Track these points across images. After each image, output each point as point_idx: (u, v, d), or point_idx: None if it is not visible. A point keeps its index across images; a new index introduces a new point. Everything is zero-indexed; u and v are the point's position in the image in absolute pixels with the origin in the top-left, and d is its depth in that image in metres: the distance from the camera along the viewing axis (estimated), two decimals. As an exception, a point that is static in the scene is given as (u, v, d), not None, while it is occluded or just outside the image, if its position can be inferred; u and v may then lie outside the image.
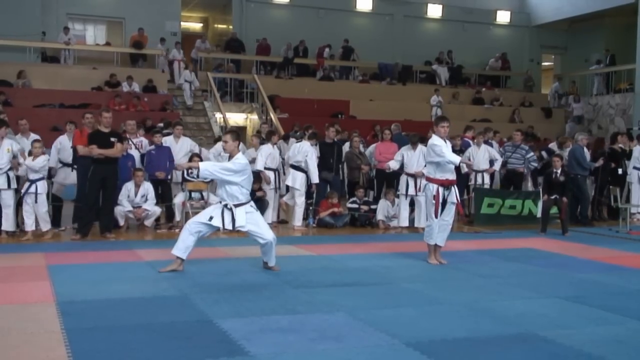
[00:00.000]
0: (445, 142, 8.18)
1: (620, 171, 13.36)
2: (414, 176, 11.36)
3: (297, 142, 12.30)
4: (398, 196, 11.66)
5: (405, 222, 11.53)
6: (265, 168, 11.59)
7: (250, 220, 7.36)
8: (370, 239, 10.49)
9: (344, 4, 24.42)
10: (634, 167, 13.43)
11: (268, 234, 7.45)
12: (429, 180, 8.16)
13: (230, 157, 7.41)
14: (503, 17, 26.57)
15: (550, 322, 5.53)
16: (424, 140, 10.85)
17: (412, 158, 11.44)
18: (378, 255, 8.87)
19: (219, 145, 11.96)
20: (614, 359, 4.60)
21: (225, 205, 7.30)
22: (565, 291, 6.72)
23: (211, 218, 7.28)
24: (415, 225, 11.48)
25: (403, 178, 11.52)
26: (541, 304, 6.19)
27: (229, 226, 7.32)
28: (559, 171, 11.45)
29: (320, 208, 11.77)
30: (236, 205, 7.31)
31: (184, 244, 7.27)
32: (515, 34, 26.85)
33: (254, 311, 5.70)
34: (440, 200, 8.01)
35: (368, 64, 23.85)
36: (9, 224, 9.80)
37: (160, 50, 21.09)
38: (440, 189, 8.01)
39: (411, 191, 11.44)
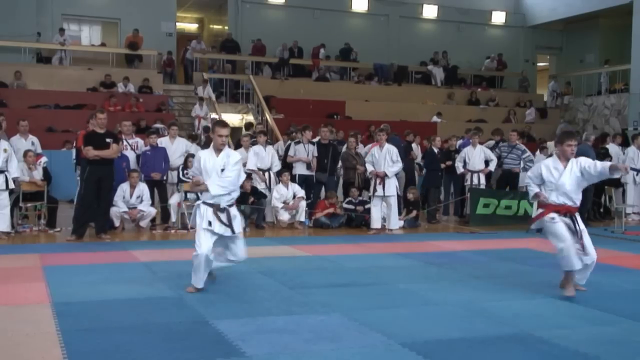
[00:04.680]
0: (571, 164, 6.52)
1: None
2: (381, 176, 11.08)
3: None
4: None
5: (377, 224, 11.19)
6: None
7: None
8: (365, 240, 10.50)
9: (340, 4, 24.43)
10: (630, 168, 13.45)
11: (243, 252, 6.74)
12: (543, 206, 6.67)
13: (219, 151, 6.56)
14: (498, 17, 26.61)
15: (545, 322, 5.54)
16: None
17: (380, 158, 11.13)
18: (374, 256, 8.89)
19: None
20: (608, 358, 4.61)
21: (218, 207, 6.46)
22: (560, 291, 6.73)
23: (210, 223, 6.42)
24: (387, 227, 11.32)
25: (373, 179, 11.26)
26: (537, 304, 6.21)
27: (226, 232, 6.46)
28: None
29: (318, 208, 11.79)
30: (230, 206, 6.58)
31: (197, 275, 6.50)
32: (511, 34, 26.89)
33: (249, 312, 5.69)
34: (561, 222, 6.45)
35: (363, 64, 23.87)
36: (4, 225, 9.78)
37: (155, 50, 21.12)
38: (556, 215, 6.48)
39: (379, 192, 11.07)
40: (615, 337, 5.16)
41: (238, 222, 6.57)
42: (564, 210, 6.49)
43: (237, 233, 6.55)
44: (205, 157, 6.54)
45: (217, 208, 6.42)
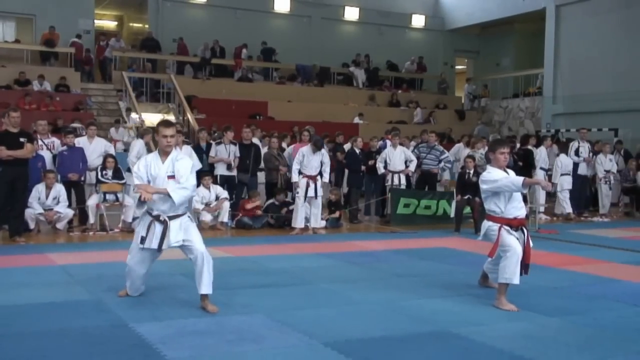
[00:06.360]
0: (508, 173, 6.31)
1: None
2: (312, 178, 11.24)
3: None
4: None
5: (301, 224, 11.30)
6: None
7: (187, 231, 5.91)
8: (288, 240, 10.52)
9: (262, 4, 24.35)
10: (540, 168, 14.01)
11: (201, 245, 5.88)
12: (492, 219, 6.31)
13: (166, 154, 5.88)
14: (418, 21, 27.07)
15: (463, 319, 5.69)
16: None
17: (312, 161, 11.26)
18: (296, 256, 8.92)
19: (138, 144, 11.68)
20: (522, 352, 4.77)
21: (157, 217, 5.84)
22: (477, 289, 6.92)
23: (143, 239, 5.89)
24: (313, 226, 11.47)
25: (302, 180, 11.27)
26: (455, 301, 6.36)
27: (154, 245, 5.83)
28: (471, 172, 11.77)
29: (241, 209, 11.73)
30: (171, 218, 5.86)
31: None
32: (430, 37, 27.43)
33: (170, 314, 5.63)
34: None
35: (286, 65, 23.89)
36: None
37: (72, 49, 20.54)
38: (504, 229, 6.21)
39: (311, 193, 11.23)
40: (529, 332, 5.34)
41: (176, 232, 5.81)
42: (515, 223, 6.31)
43: (176, 244, 5.82)
44: (151, 162, 5.90)
45: (157, 218, 5.82)
